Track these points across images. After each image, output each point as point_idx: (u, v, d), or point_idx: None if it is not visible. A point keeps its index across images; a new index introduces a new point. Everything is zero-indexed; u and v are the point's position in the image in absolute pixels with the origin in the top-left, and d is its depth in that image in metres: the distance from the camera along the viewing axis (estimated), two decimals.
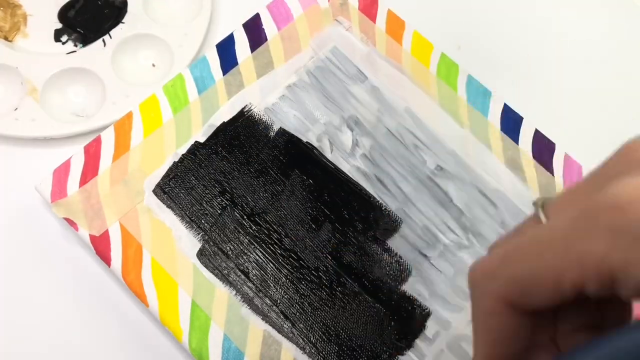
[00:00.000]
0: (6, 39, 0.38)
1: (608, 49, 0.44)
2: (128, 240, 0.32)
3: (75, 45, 0.39)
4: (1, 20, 0.38)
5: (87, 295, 0.33)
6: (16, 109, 0.35)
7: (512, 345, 0.18)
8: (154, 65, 0.39)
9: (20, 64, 0.37)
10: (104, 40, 0.38)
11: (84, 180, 0.33)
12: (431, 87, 0.38)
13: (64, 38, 0.39)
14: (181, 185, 0.33)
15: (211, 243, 0.33)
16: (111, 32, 0.38)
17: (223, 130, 0.35)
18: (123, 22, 0.39)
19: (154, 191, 0.33)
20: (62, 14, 0.39)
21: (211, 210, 0.33)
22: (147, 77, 0.38)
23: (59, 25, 0.39)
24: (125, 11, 0.39)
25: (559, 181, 0.37)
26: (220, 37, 0.38)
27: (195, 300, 0.31)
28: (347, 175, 0.35)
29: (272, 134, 0.35)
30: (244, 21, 0.38)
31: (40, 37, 0.39)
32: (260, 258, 0.33)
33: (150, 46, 0.39)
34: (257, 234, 0.33)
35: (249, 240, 0.33)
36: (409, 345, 0.32)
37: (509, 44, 0.43)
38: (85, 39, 0.39)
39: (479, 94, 0.39)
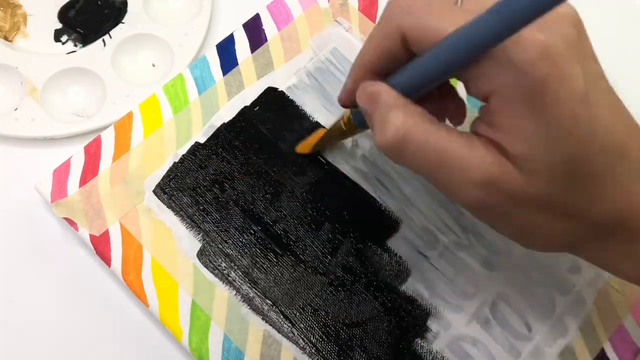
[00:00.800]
0: (6, 38, 0.38)
1: (608, 48, 0.44)
2: (128, 240, 0.32)
3: (75, 45, 0.39)
4: (1, 20, 0.38)
5: (87, 295, 0.33)
6: (16, 109, 0.35)
7: (384, 65, 0.24)
8: (154, 65, 0.39)
9: (20, 64, 0.37)
10: (104, 40, 0.38)
11: (84, 180, 0.33)
12: None
13: (64, 38, 0.39)
14: (181, 186, 0.34)
15: (211, 243, 0.33)
16: (111, 32, 0.38)
17: (223, 131, 0.35)
18: (123, 22, 0.39)
19: (154, 191, 0.33)
20: (62, 14, 0.39)
21: (211, 210, 0.33)
22: (147, 77, 0.38)
23: (59, 25, 0.39)
24: (125, 11, 0.39)
25: None
26: (220, 37, 0.38)
27: (195, 300, 0.31)
28: (347, 176, 0.35)
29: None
30: (244, 21, 0.38)
31: (40, 37, 0.39)
32: (261, 258, 0.33)
33: (150, 46, 0.39)
34: (257, 234, 0.33)
35: (249, 240, 0.33)
36: (408, 345, 0.32)
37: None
38: (85, 39, 0.39)
39: None
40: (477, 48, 0.20)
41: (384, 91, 0.23)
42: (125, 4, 0.39)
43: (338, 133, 0.31)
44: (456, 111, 0.27)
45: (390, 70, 0.24)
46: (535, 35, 0.20)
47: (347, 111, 0.29)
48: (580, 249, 0.25)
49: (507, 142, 0.21)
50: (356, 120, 0.28)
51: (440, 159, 0.21)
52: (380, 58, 0.24)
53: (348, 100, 0.27)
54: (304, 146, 0.35)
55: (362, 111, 0.24)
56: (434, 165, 0.22)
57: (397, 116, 0.22)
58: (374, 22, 0.39)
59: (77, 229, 0.32)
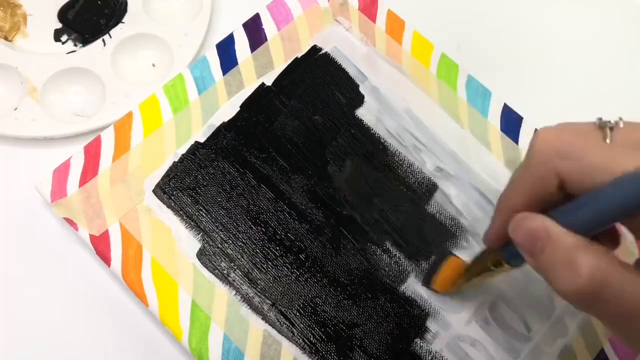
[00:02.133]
0: (6, 38, 0.38)
1: (609, 49, 0.44)
2: (128, 240, 0.32)
3: (75, 45, 0.39)
4: (1, 20, 0.38)
5: (87, 295, 0.33)
6: (16, 108, 0.35)
7: (534, 207, 0.23)
8: (154, 65, 0.39)
9: (20, 63, 0.37)
10: (103, 40, 0.38)
11: (84, 180, 0.33)
12: (431, 87, 0.38)
13: (64, 38, 0.39)
14: (181, 185, 0.34)
15: (211, 243, 0.33)
16: (111, 32, 0.38)
17: (223, 131, 0.35)
18: (123, 22, 0.39)
19: (154, 191, 0.33)
20: (62, 14, 0.39)
21: (211, 210, 0.33)
22: (147, 77, 0.38)
23: (59, 25, 0.39)
24: (125, 11, 0.39)
25: None
26: (220, 37, 0.38)
27: (195, 300, 0.31)
28: (347, 176, 0.35)
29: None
30: (243, 21, 0.38)
31: (40, 37, 0.39)
32: (260, 258, 0.33)
33: (150, 46, 0.39)
34: (257, 233, 0.33)
35: (249, 240, 0.33)
36: (408, 345, 0.32)
37: (509, 44, 0.43)
38: (85, 39, 0.39)
39: (478, 94, 0.39)
40: None
41: (555, 228, 0.21)
42: (125, 4, 0.39)
43: (481, 271, 0.29)
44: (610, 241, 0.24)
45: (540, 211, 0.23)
46: None
47: (492, 251, 0.27)
48: None
49: None
50: (509, 258, 0.26)
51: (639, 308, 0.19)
52: (531, 200, 0.23)
53: (497, 242, 0.26)
54: (441, 283, 0.33)
55: (521, 249, 0.22)
56: (633, 316, 0.19)
57: (588, 258, 0.19)
58: (373, 21, 0.39)
59: (77, 229, 0.32)
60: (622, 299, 0.19)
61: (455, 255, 0.34)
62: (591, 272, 0.19)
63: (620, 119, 0.22)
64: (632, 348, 0.21)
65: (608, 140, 0.22)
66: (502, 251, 0.26)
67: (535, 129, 0.25)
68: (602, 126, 0.22)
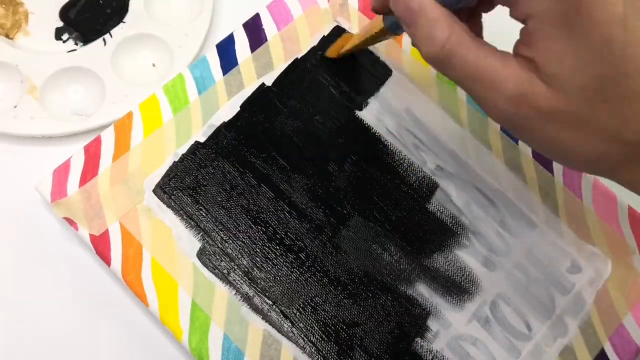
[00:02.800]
0: (7, 36, 0.38)
1: None
2: (128, 240, 0.32)
3: (76, 44, 0.39)
4: (3, 17, 0.38)
5: (87, 295, 0.33)
6: (15, 106, 0.35)
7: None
8: (154, 65, 0.39)
9: (21, 61, 0.37)
10: (104, 40, 0.38)
11: (84, 180, 0.33)
12: (431, 87, 0.38)
13: (65, 36, 0.39)
14: (181, 185, 0.34)
15: (211, 243, 0.33)
16: (112, 32, 0.38)
17: (223, 131, 0.35)
18: (124, 22, 0.39)
19: (154, 191, 0.33)
20: (64, 13, 0.39)
21: (211, 209, 0.33)
22: (147, 77, 0.38)
23: (60, 24, 0.39)
24: (127, 11, 0.39)
25: (559, 181, 0.37)
26: (221, 38, 0.38)
27: (195, 300, 0.31)
28: (347, 175, 0.35)
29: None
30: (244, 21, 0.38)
31: (42, 35, 0.39)
32: (261, 257, 0.33)
33: (151, 46, 0.39)
34: (257, 233, 0.33)
35: (249, 240, 0.33)
36: (408, 344, 0.32)
37: (509, 44, 0.43)
38: (86, 38, 0.39)
39: None
40: None
41: (426, 3, 0.24)
42: (126, 4, 0.39)
43: (368, 39, 0.32)
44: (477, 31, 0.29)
45: None
46: None
47: (377, 18, 0.30)
48: (617, 171, 0.25)
49: (541, 61, 0.23)
50: (390, 27, 0.29)
51: (477, 73, 0.23)
52: None
53: (381, 7, 0.28)
54: (332, 51, 0.37)
55: (400, 20, 0.25)
56: (471, 79, 0.24)
57: (443, 31, 0.23)
58: None
59: (77, 229, 0.32)
60: (466, 65, 0.23)
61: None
62: (441, 43, 0.23)
63: None
64: (481, 107, 0.24)
65: None
66: (385, 20, 0.29)
67: None
68: None
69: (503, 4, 0.25)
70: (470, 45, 0.24)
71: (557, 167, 0.37)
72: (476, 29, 0.29)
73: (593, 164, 0.25)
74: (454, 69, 0.24)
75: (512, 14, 0.24)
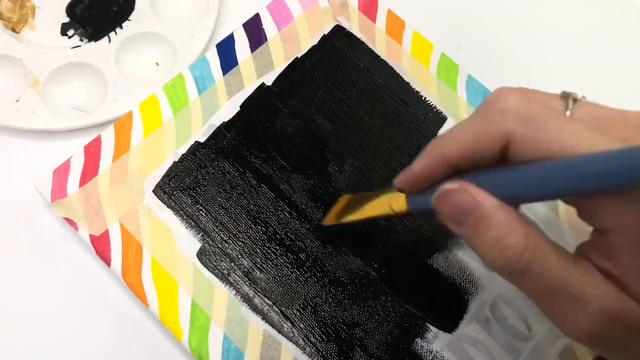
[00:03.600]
0: (14, 30, 0.38)
1: (609, 50, 0.44)
2: (128, 240, 0.32)
3: (81, 40, 0.39)
4: (10, 12, 0.38)
5: (87, 295, 0.33)
6: (18, 100, 0.35)
7: (469, 162, 0.22)
8: (157, 64, 0.39)
9: (25, 55, 0.37)
10: (109, 37, 0.38)
11: (84, 180, 0.33)
12: (431, 87, 0.38)
13: (71, 32, 0.39)
14: (181, 185, 0.33)
15: (211, 243, 0.33)
16: (117, 29, 0.38)
17: (223, 131, 0.35)
18: (130, 20, 0.39)
19: (154, 191, 0.33)
20: (70, 9, 0.40)
21: (211, 210, 0.33)
22: (150, 76, 0.38)
23: (67, 19, 0.39)
24: (133, 8, 0.39)
25: None
26: None
27: (195, 300, 0.31)
28: (347, 176, 0.35)
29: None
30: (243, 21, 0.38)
31: (47, 30, 0.39)
32: (261, 258, 0.33)
33: (155, 45, 0.39)
34: (257, 233, 0.33)
35: (249, 240, 0.33)
36: (409, 345, 0.32)
37: (509, 44, 0.43)
38: (91, 35, 0.39)
39: (478, 94, 0.39)
40: (614, 185, 0.19)
41: (489, 201, 0.21)
42: (133, 2, 0.39)
43: (382, 215, 0.27)
44: None
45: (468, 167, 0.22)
46: None
47: (400, 197, 0.26)
48: None
49: (629, 280, 0.20)
50: (417, 210, 0.25)
51: (558, 287, 0.20)
52: (467, 152, 0.22)
53: (411, 186, 0.24)
54: (330, 218, 0.32)
55: (446, 219, 0.22)
56: (550, 294, 0.21)
57: (518, 238, 0.20)
58: (374, 21, 0.39)
59: (77, 229, 0.32)
60: (546, 276, 0.20)
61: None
62: (518, 251, 0.20)
63: (584, 97, 0.22)
64: (554, 323, 0.21)
65: (568, 113, 0.22)
66: (409, 200, 0.25)
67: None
68: (564, 97, 0.22)
69: (571, 204, 0.22)
70: (550, 254, 0.20)
71: None
72: None
73: None
74: (531, 282, 0.21)
75: (585, 219, 0.21)
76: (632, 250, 0.20)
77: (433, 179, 0.23)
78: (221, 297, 0.32)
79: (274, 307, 0.32)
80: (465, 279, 0.34)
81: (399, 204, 0.25)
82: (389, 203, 0.26)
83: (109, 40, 0.38)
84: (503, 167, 0.21)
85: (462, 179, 0.22)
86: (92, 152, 0.33)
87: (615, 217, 0.20)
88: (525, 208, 0.36)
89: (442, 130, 0.38)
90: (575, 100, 0.22)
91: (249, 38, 0.37)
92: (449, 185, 0.21)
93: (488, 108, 0.22)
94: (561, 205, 0.36)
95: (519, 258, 0.20)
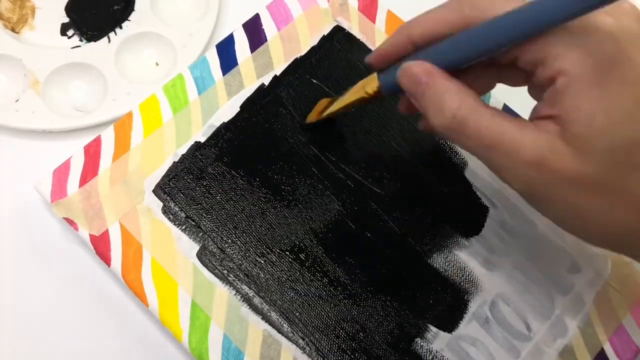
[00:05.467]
0: (13, 30, 0.38)
1: None
2: (128, 240, 0.32)
3: (81, 40, 0.39)
4: (10, 12, 0.38)
5: (87, 295, 0.33)
6: (17, 100, 0.36)
7: (434, 39, 0.25)
8: (157, 64, 0.39)
9: (25, 55, 0.37)
10: (109, 37, 0.38)
11: (83, 180, 0.33)
12: None
13: (70, 32, 0.39)
14: (181, 185, 0.34)
15: (211, 243, 0.33)
16: (117, 29, 0.38)
17: (223, 131, 0.35)
18: (129, 20, 0.39)
19: (154, 191, 0.33)
20: (70, 8, 0.40)
21: (211, 209, 0.33)
22: (150, 76, 0.38)
23: (66, 19, 0.39)
24: (133, 9, 0.39)
25: None
26: None
27: (195, 300, 0.31)
28: (343, 176, 0.35)
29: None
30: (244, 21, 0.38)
31: (47, 30, 0.39)
32: (260, 258, 0.33)
33: (155, 45, 0.39)
34: (257, 233, 0.33)
35: (249, 240, 0.33)
36: (409, 344, 0.32)
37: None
38: (91, 35, 0.39)
39: None
40: (546, 22, 0.21)
41: (436, 74, 0.24)
42: (132, 2, 0.39)
43: (357, 100, 0.30)
44: (487, 85, 0.28)
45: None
46: (605, 18, 0.21)
47: (372, 78, 0.29)
48: (635, 246, 0.23)
49: (568, 120, 0.21)
50: (388, 89, 0.28)
51: (493, 140, 0.23)
52: (431, 36, 0.25)
53: (381, 62, 0.28)
54: (312, 115, 0.35)
55: (404, 89, 0.25)
56: (488, 147, 0.23)
57: (453, 101, 0.23)
58: (373, 22, 0.39)
59: (77, 229, 0.32)
60: (480, 133, 0.23)
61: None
62: (452, 113, 0.23)
63: None
64: (499, 177, 0.24)
65: None
66: (380, 77, 0.28)
67: None
68: None
69: (528, 67, 0.23)
70: (483, 112, 0.23)
71: None
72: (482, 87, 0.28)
73: (617, 238, 0.23)
74: (468, 138, 0.23)
75: (538, 75, 0.23)
76: (576, 90, 0.21)
77: (400, 56, 0.27)
78: (221, 297, 0.32)
79: (274, 307, 0.32)
80: (465, 279, 0.34)
81: (372, 85, 0.28)
82: (363, 87, 0.29)
83: (109, 41, 0.38)
84: (451, 37, 0.24)
85: (421, 54, 0.25)
86: (92, 152, 0.33)
87: (560, 60, 0.22)
88: (526, 209, 0.36)
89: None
90: None
91: (248, 38, 0.38)
92: (410, 62, 0.25)
93: None
94: None
95: (453, 116, 0.23)
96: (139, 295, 0.31)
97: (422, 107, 0.25)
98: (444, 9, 0.25)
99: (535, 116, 0.23)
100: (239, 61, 0.37)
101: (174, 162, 0.34)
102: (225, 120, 0.35)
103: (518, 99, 0.39)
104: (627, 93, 0.20)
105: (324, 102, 0.34)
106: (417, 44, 0.26)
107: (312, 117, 0.35)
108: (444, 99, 0.23)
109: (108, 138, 0.34)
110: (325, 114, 0.33)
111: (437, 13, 0.25)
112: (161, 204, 0.33)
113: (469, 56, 0.24)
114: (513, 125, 0.23)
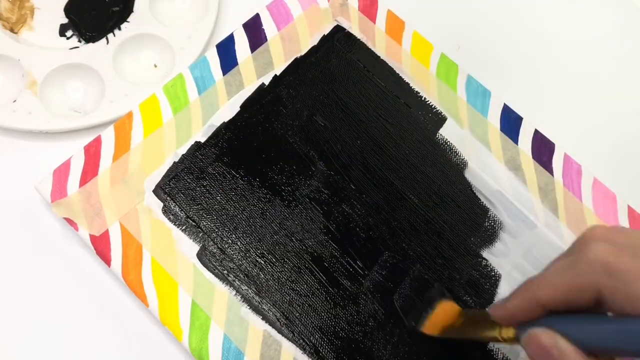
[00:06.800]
0: (12, 30, 0.38)
1: (608, 49, 0.45)
2: (128, 240, 0.32)
3: (79, 41, 0.39)
4: (9, 12, 0.38)
5: (87, 295, 0.33)
6: (14, 101, 0.35)
7: (559, 307, 0.24)
8: (155, 65, 0.39)
9: (23, 56, 0.37)
10: (107, 38, 0.38)
11: (84, 180, 0.33)
12: (431, 87, 0.38)
13: (69, 33, 0.39)
14: (181, 185, 0.34)
15: (211, 243, 0.33)
16: (115, 31, 0.38)
17: (223, 131, 0.35)
18: (128, 21, 0.39)
19: (154, 191, 0.33)
20: (69, 9, 0.40)
21: (211, 210, 0.33)
22: (147, 77, 0.38)
23: (65, 20, 0.39)
24: (131, 10, 0.39)
25: (558, 181, 0.37)
26: None
27: (195, 300, 0.31)
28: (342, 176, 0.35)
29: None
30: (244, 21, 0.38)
31: (46, 30, 0.39)
32: (260, 258, 0.33)
33: (153, 47, 0.39)
34: (257, 233, 0.33)
35: (249, 240, 0.33)
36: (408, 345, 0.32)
37: (509, 44, 0.43)
38: (89, 36, 0.39)
39: (478, 94, 0.39)
40: None
41: (566, 350, 0.22)
42: (131, 3, 0.39)
43: (488, 339, 0.29)
44: None
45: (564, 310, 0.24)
46: None
47: (508, 327, 0.27)
48: None
49: None
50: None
51: None
52: (562, 301, 0.23)
53: (507, 322, 0.26)
54: (431, 327, 0.31)
55: (528, 352, 0.24)
56: None
57: None
58: (373, 21, 0.39)
59: (77, 229, 0.32)
60: None
61: (445, 298, 0.33)
62: None
63: None
64: None
65: None
66: (517, 328, 0.26)
67: (589, 226, 0.27)
68: None
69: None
70: None
71: (556, 167, 0.37)
72: None
73: None
74: None
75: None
76: None
77: (528, 318, 0.25)
78: (221, 297, 0.32)
79: (274, 307, 0.32)
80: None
81: (508, 333, 0.26)
82: (499, 331, 0.27)
83: (107, 42, 0.38)
84: (593, 316, 0.22)
85: (552, 324, 0.23)
86: (92, 152, 0.33)
87: None
88: (526, 209, 0.36)
89: (442, 131, 0.38)
90: None
91: (249, 38, 0.37)
92: (537, 330, 0.23)
93: (579, 256, 0.23)
94: (561, 206, 0.36)
95: None
96: (139, 295, 0.31)
97: None
98: (572, 272, 0.23)
99: None
100: (239, 61, 0.37)
101: (174, 162, 0.34)
102: (226, 120, 0.35)
103: (518, 99, 0.39)
104: None
105: (446, 307, 0.31)
106: (546, 308, 0.24)
107: (432, 329, 0.31)
108: None
109: (108, 138, 0.34)
110: (447, 335, 0.30)
111: (567, 277, 0.23)
112: (161, 204, 0.33)
113: (619, 348, 0.21)
114: None
